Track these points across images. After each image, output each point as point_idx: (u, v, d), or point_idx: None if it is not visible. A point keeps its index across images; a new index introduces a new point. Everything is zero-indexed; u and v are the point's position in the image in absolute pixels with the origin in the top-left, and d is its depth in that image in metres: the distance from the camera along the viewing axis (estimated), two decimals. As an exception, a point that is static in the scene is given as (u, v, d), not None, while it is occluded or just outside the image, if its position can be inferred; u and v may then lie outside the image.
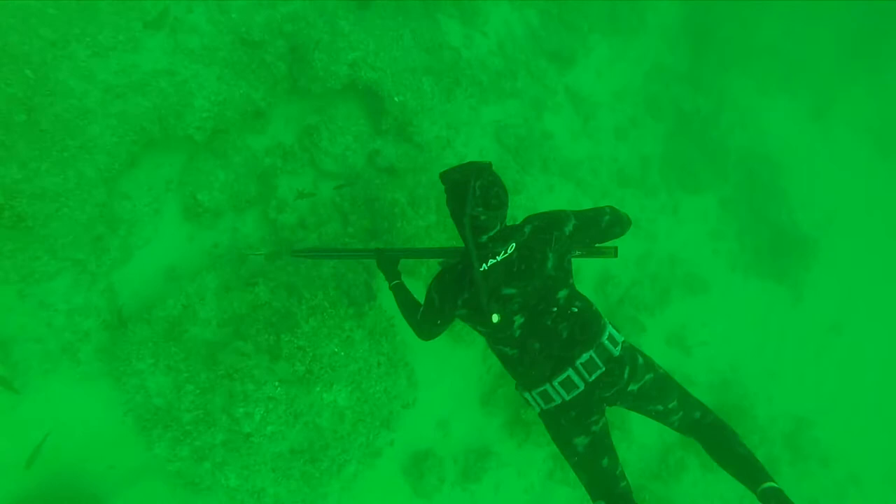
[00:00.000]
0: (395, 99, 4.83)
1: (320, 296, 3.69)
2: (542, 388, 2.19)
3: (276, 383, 3.18)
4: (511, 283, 2.18)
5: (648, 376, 2.25)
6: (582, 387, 2.13)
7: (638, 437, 5.19)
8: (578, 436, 2.17)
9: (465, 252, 2.27)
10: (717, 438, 2.27)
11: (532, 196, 5.89)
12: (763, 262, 7.24)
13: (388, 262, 2.71)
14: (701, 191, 7.11)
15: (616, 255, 2.65)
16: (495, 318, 2.14)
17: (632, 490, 2.22)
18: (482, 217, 2.16)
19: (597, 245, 2.57)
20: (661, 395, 2.27)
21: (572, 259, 2.40)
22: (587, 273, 6.02)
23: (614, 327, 2.28)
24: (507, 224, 2.36)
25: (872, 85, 9.68)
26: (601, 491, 2.16)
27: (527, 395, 2.31)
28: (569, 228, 2.30)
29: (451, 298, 2.28)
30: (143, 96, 4.08)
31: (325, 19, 4.83)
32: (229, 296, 3.79)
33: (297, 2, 4.83)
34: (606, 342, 2.17)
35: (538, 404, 2.26)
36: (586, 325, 2.18)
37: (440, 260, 2.82)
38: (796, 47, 8.77)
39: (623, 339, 2.27)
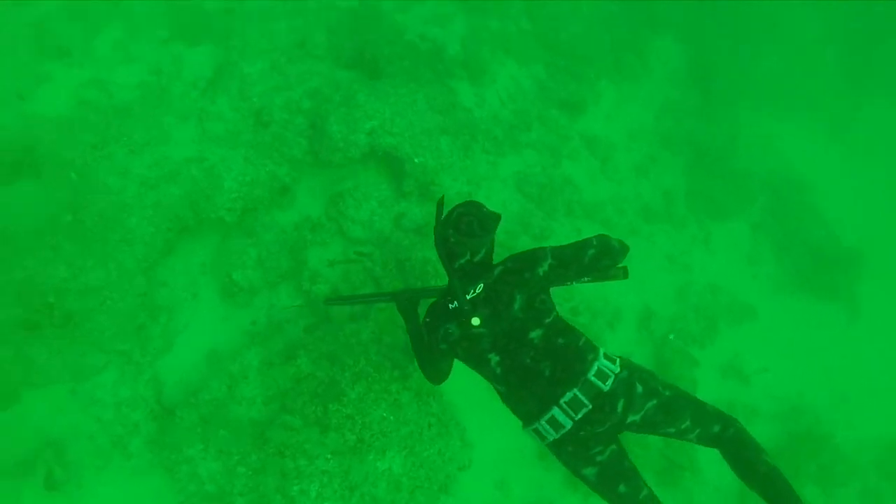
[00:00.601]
0: (415, 160, 4.94)
1: (363, 361, 3.63)
2: (533, 426, 2.19)
3: (329, 456, 3.08)
4: (482, 323, 2.21)
5: (651, 403, 2.17)
6: (569, 425, 2.10)
7: (710, 479, 4.85)
8: (585, 467, 2.15)
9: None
10: (739, 454, 2.17)
11: (561, 241, 5.84)
12: (809, 281, 6.96)
13: (407, 303, 2.65)
14: (729, 218, 7.00)
15: (626, 276, 2.59)
16: (475, 320, 2.17)
17: None
18: (451, 240, 2.23)
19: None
20: (669, 418, 2.18)
21: (582, 284, 2.46)
22: (627, 313, 5.87)
23: (609, 358, 2.22)
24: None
25: (887, 99, 9.66)
26: None
27: (525, 430, 2.30)
28: (543, 269, 2.30)
29: (435, 329, 2.30)
30: (176, 185, 4.26)
31: (341, 93, 5.06)
32: (272, 371, 3.75)
33: (314, 80, 5.08)
34: (593, 378, 2.11)
35: (538, 439, 2.25)
36: (568, 362, 2.16)
37: None
38: (801, 73, 8.87)
39: (619, 370, 2.18)
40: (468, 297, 2.21)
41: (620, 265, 2.56)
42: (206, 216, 4.30)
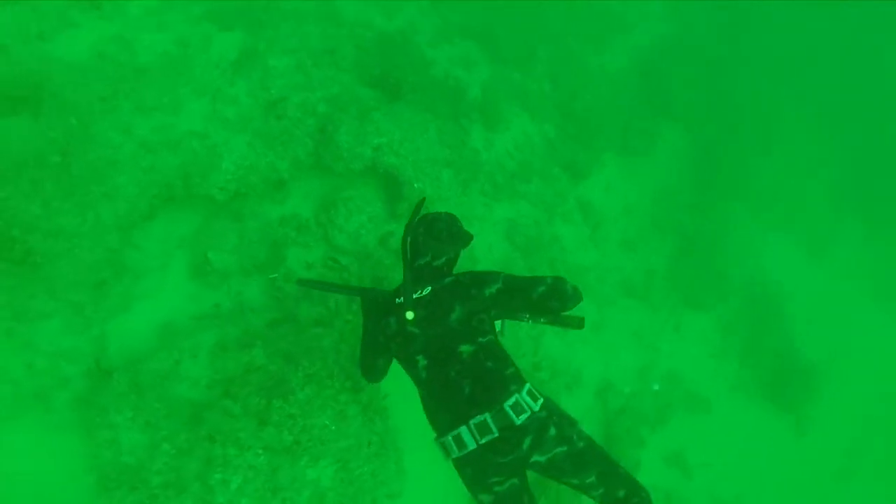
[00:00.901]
0: (415, 185, 5.00)
1: (318, 365, 3.56)
2: (441, 439, 2.23)
3: (260, 451, 2.96)
4: (417, 322, 2.28)
5: (560, 449, 2.16)
6: (472, 447, 2.12)
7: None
8: (482, 493, 2.16)
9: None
10: None
11: (537, 295, 5.90)
12: (767, 388, 7.06)
13: (371, 302, 2.64)
14: (703, 310, 7.13)
15: (581, 327, 2.57)
16: (410, 314, 2.23)
17: None
18: (419, 238, 2.40)
19: (561, 315, 2.53)
20: (575, 469, 2.17)
21: (537, 324, 2.49)
22: (587, 379, 5.88)
23: (532, 395, 2.22)
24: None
25: (867, 230, 10.10)
26: None
27: (435, 442, 2.34)
28: (490, 290, 2.37)
29: (377, 319, 2.41)
30: (174, 154, 4.24)
31: (358, 107, 5.16)
32: (224, 356, 3.65)
33: (335, 88, 5.18)
34: (508, 408, 2.12)
35: (443, 453, 2.28)
36: (489, 387, 2.18)
37: None
38: (792, 188, 9.27)
39: (537, 409, 2.19)
40: (414, 297, 2.30)
41: (575, 314, 2.56)
42: (197, 191, 4.27)
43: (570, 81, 7.12)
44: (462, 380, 2.21)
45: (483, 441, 2.10)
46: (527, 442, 2.12)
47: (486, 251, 5.84)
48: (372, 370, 2.67)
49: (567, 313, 2.53)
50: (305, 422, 3.13)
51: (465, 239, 2.48)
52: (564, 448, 2.16)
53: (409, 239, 2.42)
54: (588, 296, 6.29)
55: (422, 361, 2.29)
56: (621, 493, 2.17)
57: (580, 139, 6.88)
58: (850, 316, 8.67)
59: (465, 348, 2.25)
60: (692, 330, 6.96)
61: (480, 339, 2.29)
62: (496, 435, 2.09)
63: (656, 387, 5.93)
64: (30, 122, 4.03)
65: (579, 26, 7.60)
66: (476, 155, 5.90)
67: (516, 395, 2.17)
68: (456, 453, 2.17)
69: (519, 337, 5.29)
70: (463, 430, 2.13)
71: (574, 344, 5.99)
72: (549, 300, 2.41)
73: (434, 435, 2.37)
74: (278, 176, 4.62)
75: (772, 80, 9.78)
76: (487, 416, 2.11)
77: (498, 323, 2.56)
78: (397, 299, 2.36)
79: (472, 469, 2.17)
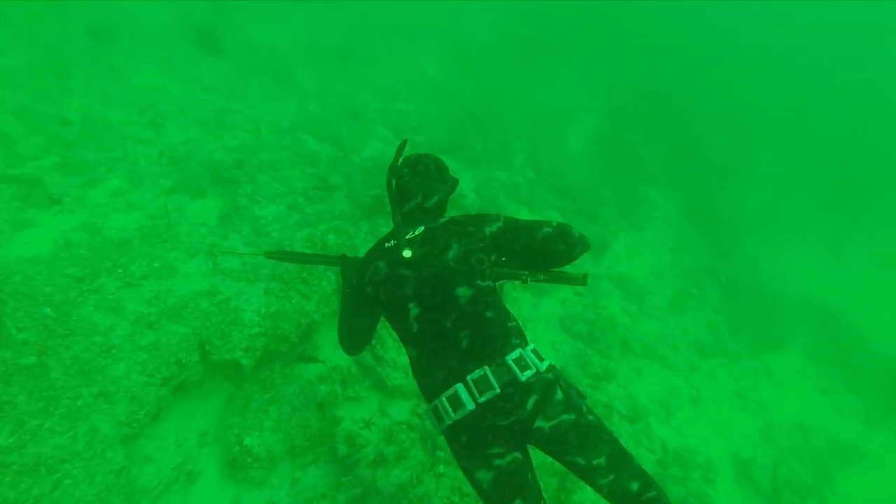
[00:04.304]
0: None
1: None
2: (433, 404, 1.92)
3: None
4: (411, 263, 2.01)
5: (567, 417, 1.85)
6: (470, 407, 1.82)
7: None
8: (479, 469, 1.84)
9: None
10: None
11: (623, 383, 5.04)
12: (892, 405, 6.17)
13: (352, 268, 2.27)
14: (781, 348, 6.43)
15: (585, 283, 2.22)
16: (407, 252, 1.98)
17: None
18: (405, 178, 2.19)
19: (563, 270, 2.25)
20: (582, 445, 1.85)
21: (539, 283, 2.23)
22: (719, 463, 4.82)
23: (537, 354, 1.93)
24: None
25: (869, 221, 10.24)
26: None
27: (426, 413, 2.07)
28: (490, 229, 2.14)
29: (366, 266, 2.10)
30: (180, 322, 3.37)
31: (367, 229, 4.61)
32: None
33: (336, 219, 4.63)
34: (511, 362, 1.85)
35: (434, 421, 1.93)
36: (490, 338, 1.92)
37: None
38: (786, 205, 9.35)
39: (546, 368, 1.90)
40: (406, 237, 2.05)
41: (577, 271, 2.23)
42: (216, 359, 3.34)
43: (549, 165, 7.02)
44: (459, 331, 1.92)
45: (482, 399, 1.80)
46: (531, 402, 1.83)
47: (550, 350, 5.04)
48: (356, 335, 2.29)
49: (568, 268, 2.23)
50: None
51: (452, 179, 2.29)
52: (572, 416, 1.85)
53: (393, 182, 2.20)
54: (668, 367, 5.51)
55: (414, 310, 1.97)
56: (634, 486, 1.81)
57: (585, 213, 6.59)
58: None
59: (463, 292, 1.96)
60: (785, 372, 6.16)
61: (479, 283, 1.98)
62: (497, 391, 1.80)
63: None
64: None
65: (536, 121, 7.78)
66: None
67: (520, 350, 1.88)
68: (452, 417, 1.84)
69: (638, 439, 4.32)
70: (459, 387, 1.83)
71: (683, 427, 5.04)
72: (554, 242, 2.13)
73: (425, 405, 2.05)
74: (309, 319, 3.78)
75: (730, 114, 10.37)
76: (487, 370, 1.83)
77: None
78: (387, 244, 2.09)
79: (469, 436, 1.85)
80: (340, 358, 4.13)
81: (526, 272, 2.20)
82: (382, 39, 11.15)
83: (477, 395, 1.81)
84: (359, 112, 6.92)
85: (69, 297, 3.24)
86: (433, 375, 1.94)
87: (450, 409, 1.85)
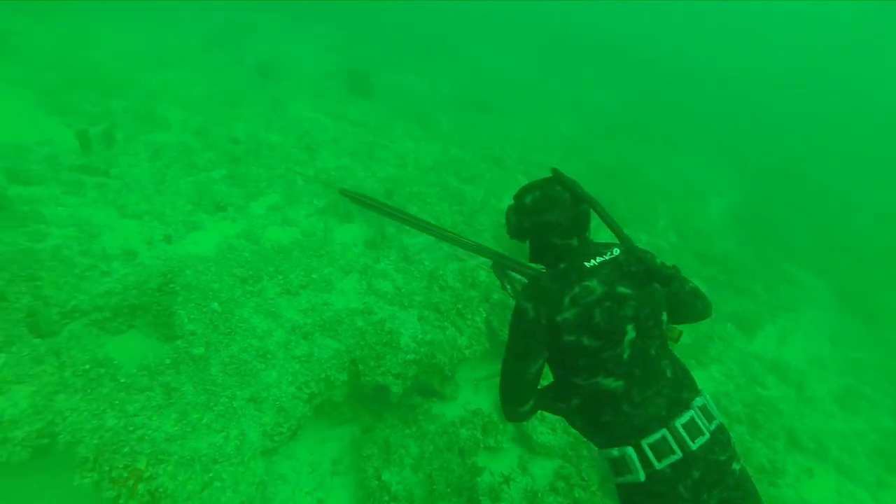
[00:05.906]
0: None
1: None
2: (658, 435, 1.52)
3: None
4: (625, 281, 1.70)
5: (736, 466, 1.58)
6: (677, 455, 1.50)
7: None
8: None
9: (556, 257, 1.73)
10: None
11: (792, 482, 4.26)
12: None
13: (538, 288, 1.75)
14: None
15: (677, 341, 1.92)
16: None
17: None
18: (548, 219, 1.67)
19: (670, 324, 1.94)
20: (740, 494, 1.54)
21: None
22: None
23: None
24: None
25: None
26: None
27: (628, 451, 1.56)
28: (653, 263, 1.78)
29: (556, 301, 1.62)
30: (335, 337, 3.21)
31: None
32: None
33: (486, 261, 4.42)
34: (709, 402, 1.62)
35: (646, 464, 1.51)
36: (684, 371, 1.70)
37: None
38: None
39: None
40: (607, 258, 1.71)
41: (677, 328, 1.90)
42: (370, 380, 3.13)
43: (695, 232, 6.51)
44: (661, 359, 1.68)
45: (696, 447, 1.47)
46: (732, 442, 1.60)
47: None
48: (525, 386, 1.71)
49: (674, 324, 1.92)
50: None
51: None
52: (738, 466, 1.58)
53: (527, 229, 1.68)
54: (845, 474, 4.62)
55: (631, 332, 1.67)
56: None
57: (734, 286, 5.95)
58: None
59: (665, 317, 1.74)
60: None
61: (663, 319, 1.75)
62: (707, 436, 1.51)
63: None
64: (151, 329, 3.12)
65: (675, 188, 7.36)
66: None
67: (703, 395, 1.64)
68: (691, 446, 1.48)
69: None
70: (693, 413, 1.52)
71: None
72: (696, 298, 1.94)
73: (598, 448, 1.67)
74: (460, 355, 3.50)
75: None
76: (705, 400, 1.59)
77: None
78: (587, 263, 1.69)
79: (700, 471, 1.50)
80: (481, 401, 3.79)
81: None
82: (519, 95, 11.39)
83: (689, 442, 1.52)
84: (500, 159, 6.88)
85: (233, 295, 3.21)
86: (653, 403, 1.63)
87: (686, 437, 1.54)
